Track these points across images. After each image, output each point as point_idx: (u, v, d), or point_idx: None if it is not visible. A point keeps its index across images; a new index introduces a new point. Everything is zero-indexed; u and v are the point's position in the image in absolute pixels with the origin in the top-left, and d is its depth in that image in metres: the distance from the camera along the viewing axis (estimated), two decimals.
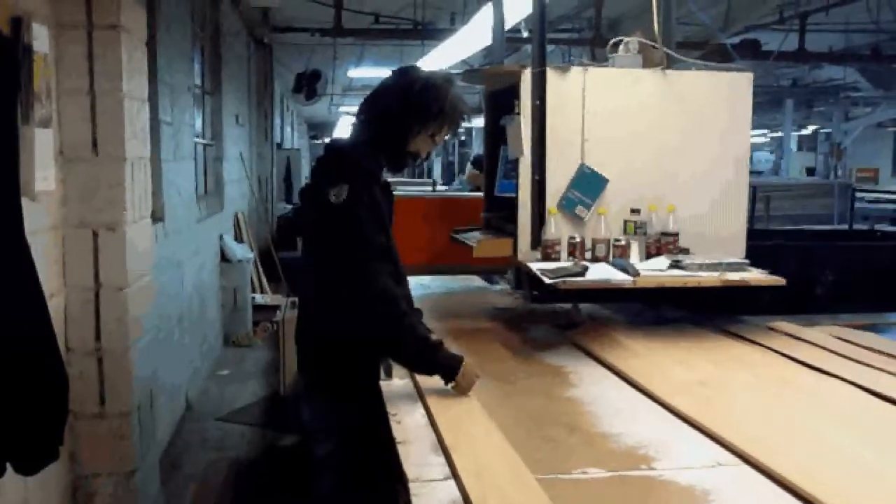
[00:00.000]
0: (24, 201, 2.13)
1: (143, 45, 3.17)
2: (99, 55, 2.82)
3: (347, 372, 2.31)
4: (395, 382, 2.37)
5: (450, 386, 2.21)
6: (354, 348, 2.27)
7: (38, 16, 2.54)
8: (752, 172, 3.42)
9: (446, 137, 2.53)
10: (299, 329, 2.41)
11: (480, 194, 4.09)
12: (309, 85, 9.84)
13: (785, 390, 2.34)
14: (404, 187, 10.08)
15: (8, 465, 2.02)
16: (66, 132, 2.80)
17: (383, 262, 2.20)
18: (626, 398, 2.31)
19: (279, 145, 12.53)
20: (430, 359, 2.22)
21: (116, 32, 2.84)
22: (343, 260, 2.18)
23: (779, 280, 2.79)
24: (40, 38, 2.49)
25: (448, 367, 2.21)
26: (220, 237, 6.78)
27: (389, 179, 2.42)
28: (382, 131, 2.34)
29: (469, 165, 8.61)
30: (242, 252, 7.12)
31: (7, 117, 2.11)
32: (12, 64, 2.25)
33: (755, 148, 23.15)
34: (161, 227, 4.32)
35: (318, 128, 26.05)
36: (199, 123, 6.04)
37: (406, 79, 2.37)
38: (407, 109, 2.32)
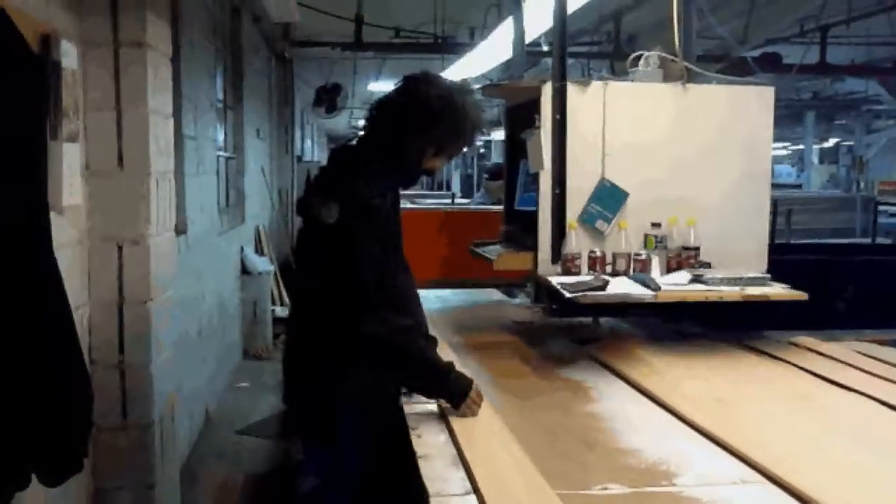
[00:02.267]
0: (52, 215, 2.17)
1: (167, 62, 3.21)
2: (125, 71, 2.86)
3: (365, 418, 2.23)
4: (416, 398, 2.37)
5: (458, 408, 2.17)
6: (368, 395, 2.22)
7: (67, 33, 2.58)
8: (774, 185, 3.40)
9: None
10: (290, 357, 2.34)
11: (499, 207, 4.10)
12: (329, 98, 9.90)
13: (807, 406, 2.32)
14: (423, 200, 10.13)
15: (33, 476, 2.04)
16: (92, 147, 2.84)
17: (377, 299, 2.10)
18: (646, 413, 2.30)
19: (299, 158, 12.60)
20: (441, 385, 2.19)
21: (142, 49, 2.89)
22: (338, 305, 2.12)
23: (800, 295, 2.76)
24: (69, 55, 2.53)
25: (459, 391, 2.18)
26: (241, 249, 6.83)
27: (402, 192, 2.36)
28: (398, 148, 2.22)
29: (485, 178, 8.59)
30: (263, 264, 7.17)
31: (36, 132, 2.15)
32: (42, 80, 2.30)
33: (776, 161, 22.96)
34: (184, 239, 4.36)
35: (338, 141, 26.24)
36: (220, 137, 6.10)
37: (430, 97, 2.20)
38: (428, 132, 2.21)
